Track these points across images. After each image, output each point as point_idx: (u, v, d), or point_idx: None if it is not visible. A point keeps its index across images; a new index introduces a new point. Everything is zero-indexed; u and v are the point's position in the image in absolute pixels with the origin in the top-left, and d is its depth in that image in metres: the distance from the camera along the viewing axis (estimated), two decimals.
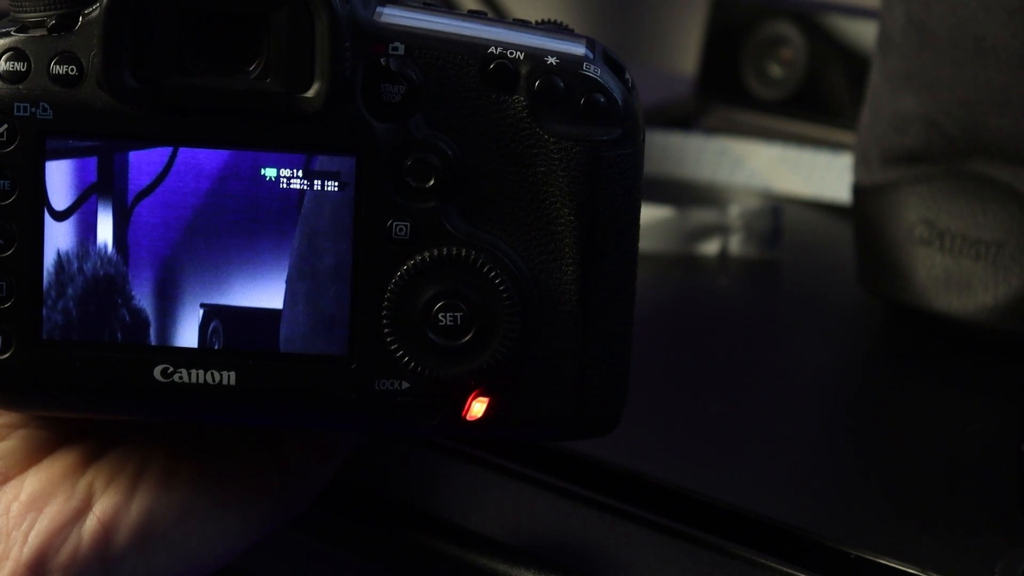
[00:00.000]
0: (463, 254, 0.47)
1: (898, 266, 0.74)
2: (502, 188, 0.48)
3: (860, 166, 0.77)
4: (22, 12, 0.47)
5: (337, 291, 0.48)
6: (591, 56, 0.49)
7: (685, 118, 1.03)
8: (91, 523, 0.49)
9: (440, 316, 0.47)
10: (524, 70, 0.48)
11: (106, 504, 0.49)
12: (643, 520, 0.58)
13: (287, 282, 0.48)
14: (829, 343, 0.77)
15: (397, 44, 0.47)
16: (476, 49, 0.48)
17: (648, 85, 1.02)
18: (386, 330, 0.47)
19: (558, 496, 0.59)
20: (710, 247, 0.85)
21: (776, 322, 0.81)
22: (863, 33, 0.95)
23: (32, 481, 0.49)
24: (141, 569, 0.49)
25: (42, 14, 0.47)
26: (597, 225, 0.48)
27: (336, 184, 0.47)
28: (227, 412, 0.48)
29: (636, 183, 0.49)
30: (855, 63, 0.96)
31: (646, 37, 1.31)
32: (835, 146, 0.95)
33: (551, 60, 0.48)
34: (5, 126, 0.47)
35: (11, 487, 0.49)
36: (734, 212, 0.85)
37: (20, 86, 0.47)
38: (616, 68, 0.49)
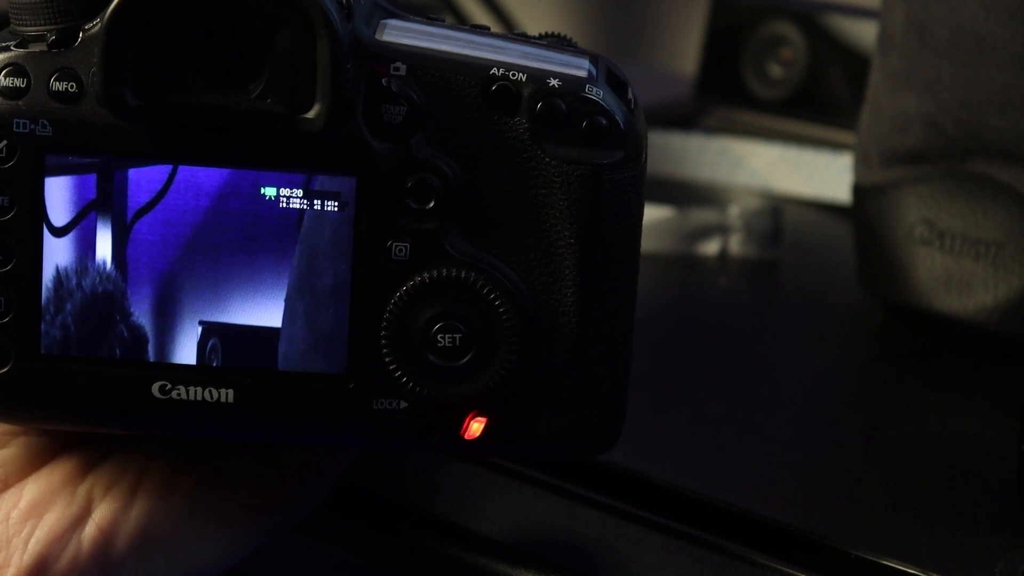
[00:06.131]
0: (463, 275, 0.47)
1: (898, 266, 0.74)
2: (503, 210, 0.48)
3: (860, 166, 0.77)
4: (22, 26, 0.47)
5: (336, 310, 0.47)
6: (594, 75, 0.48)
7: (685, 118, 1.03)
8: (90, 530, 0.49)
9: (439, 337, 0.47)
10: (526, 92, 0.47)
11: (105, 511, 0.49)
12: (643, 520, 0.58)
13: (286, 300, 0.48)
14: (829, 343, 0.77)
15: (399, 64, 0.47)
16: (478, 70, 0.48)
17: (648, 85, 1.02)
18: (384, 350, 0.47)
19: (558, 496, 0.59)
20: (710, 247, 0.85)
21: (776, 322, 0.81)
22: (863, 33, 0.95)
23: (32, 488, 0.49)
24: None
25: (42, 28, 0.47)
26: (598, 247, 0.48)
27: (336, 204, 0.47)
28: (225, 429, 0.49)
29: (638, 205, 0.49)
30: (855, 63, 0.96)
31: (646, 37, 1.31)
32: (835, 146, 0.95)
33: (553, 82, 0.48)
34: (4, 142, 0.47)
35: (11, 494, 0.49)
36: (734, 212, 0.85)
37: (19, 102, 0.47)
38: (619, 87, 0.49)
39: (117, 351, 0.48)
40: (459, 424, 0.48)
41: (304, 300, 0.48)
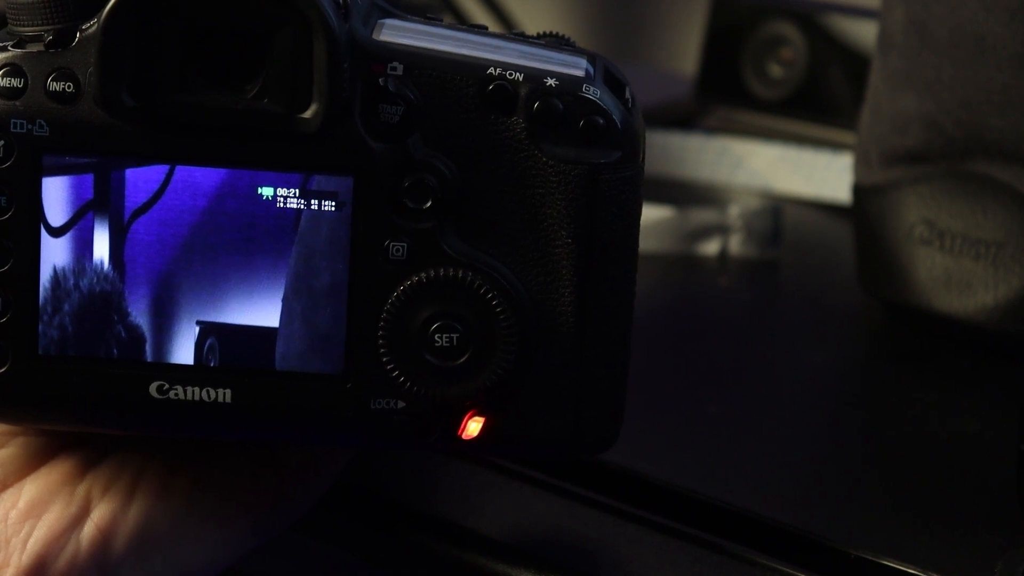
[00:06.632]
0: (460, 275, 0.47)
1: (898, 266, 0.74)
2: (500, 210, 0.48)
3: (860, 166, 0.77)
4: (19, 26, 0.47)
5: (333, 310, 0.47)
6: (592, 74, 0.48)
7: (685, 118, 1.03)
8: (89, 529, 0.49)
9: (436, 337, 0.47)
10: (523, 92, 0.47)
11: (104, 510, 0.49)
12: (643, 520, 0.58)
13: (283, 300, 0.48)
14: (829, 343, 0.77)
15: (396, 64, 0.47)
16: (475, 70, 0.47)
17: (648, 85, 1.02)
18: (382, 350, 0.47)
19: (558, 496, 0.59)
20: (710, 247, 0.85)
21: (776, 322, 0.81)
22: (863, 33, 0.95)
23: (30, 488, 0.49)
24: (139, 575, 0.49)
25: (39, 28, 0.47)
26: (595, 247, 0.48)
27: (333, 204, 0.47)
28: (223, 429, 0.49)
29: (635, 205, 0.49)
30: (855, 63, 0.96)
31: (646, 37, 1.31)
32: (835, 146, 0.95)
33: (550, 82, 0.48)
34: (1, 142, 0.47)
35: (9, 494, 0.49)
36: (734, 212, 0.85)
37: (17, 102, 0.47)
38: (617, 87, 0.49)
39: (115, 351, 0.48)
40: (457, 424, 0.48)
41: (301, 300, 0.48)
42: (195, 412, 0.48)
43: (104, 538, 0.49)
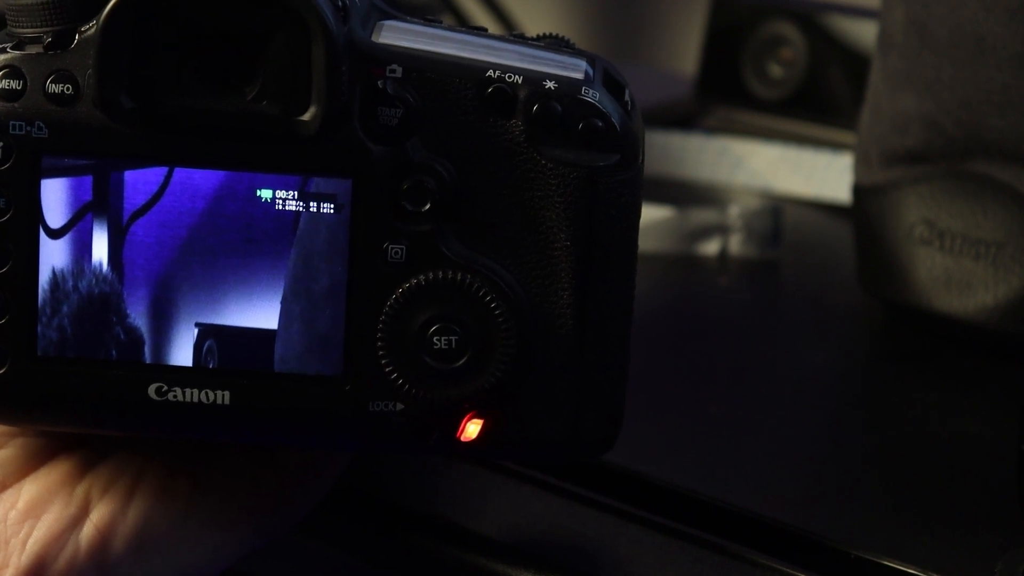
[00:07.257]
0: (458, 278, 0.47)
1: (898, 266, 0.74)
2: (499, 212, 0.48)
3: (860, 166, 0.77)
4: (18, 28, 0.47)
5: (332, 312, 0.47)
6: (591, 76, 0.48)
7: (685, 118, 1.03)
8: (88, 530, 0.49)
9: (435, 339, 0.47)
10: (522, 94, 0.47)
11: (103, 511, 0.49)
12: (643, 520, 0.58)
13: (282, 302, 0.48)
14: (829, 343, 0.77)
15: (395, 67, 0.47)
16: (474, 72, 0.47)
17: (648, 85, 1.02)
18: (380, 352, 0.47)
19: (558, 496, 0.59)
20: (710, 247, 0.85)
21: (776, 322, 0.81)
22: (863, 33, 0.95)
23: (30, 489, 0.49)
24: None
25: (38, 30, 0.47)
26: (594, 250, 0.48)
27: (332, 206, 0.47)
28: (221, 430, 0.49)
29: (634, 208, 0.49)
30: (855, 63, 0.96)
31: (646, 37, 1.31)
32: (835, 146, 0.95)
33: (549, 84, 0.48)
34: (0, 144, 0.47)
35: (9, 495, 0.49)
36: (734, 212, 0.85)
37: (15, 104, 0.47)
38: (616, 89, 0.49)
39: (113, 353, 0.48)
40: (455, 426, 0.48)
41: (300, 302, 0.48)
42: (194, 414, 0.48)
43: (103, 539, 0.49)
